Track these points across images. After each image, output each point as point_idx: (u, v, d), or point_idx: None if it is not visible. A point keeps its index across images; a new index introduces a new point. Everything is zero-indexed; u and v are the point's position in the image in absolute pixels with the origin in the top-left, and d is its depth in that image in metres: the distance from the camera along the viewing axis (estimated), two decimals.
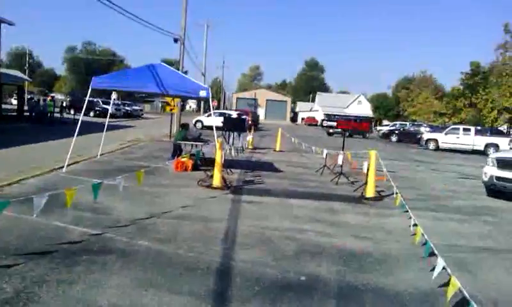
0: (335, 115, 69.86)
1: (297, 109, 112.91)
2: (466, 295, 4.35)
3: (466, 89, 56.97)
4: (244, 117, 26.74)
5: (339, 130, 44.08)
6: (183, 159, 13.50)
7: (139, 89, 13.93)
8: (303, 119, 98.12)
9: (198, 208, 8.85)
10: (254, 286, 5.11)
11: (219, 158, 10.93)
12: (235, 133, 19.13)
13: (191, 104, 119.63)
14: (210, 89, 12.49)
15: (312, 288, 5.19)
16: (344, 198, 11.14)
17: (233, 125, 19.25)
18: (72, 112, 38.02)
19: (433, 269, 5.28)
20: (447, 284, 4.77)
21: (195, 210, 8.67)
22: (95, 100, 49.42)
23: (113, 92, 20.85)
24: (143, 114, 62.56)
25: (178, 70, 22.67)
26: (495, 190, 12.91)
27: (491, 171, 12.83)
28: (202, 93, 12.29)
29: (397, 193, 9.42)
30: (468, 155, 31.79)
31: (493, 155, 13.43)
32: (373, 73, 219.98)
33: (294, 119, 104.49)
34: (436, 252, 5.65)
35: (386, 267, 6.16)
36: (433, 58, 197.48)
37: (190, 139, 14.69)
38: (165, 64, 13.42)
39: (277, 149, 23.37)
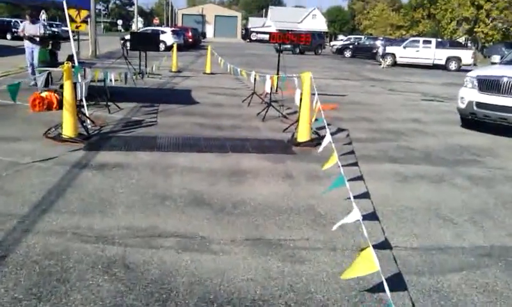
0: (287, 31, 65.18)
1: (249, 25, 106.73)
2: None
3: None
4: (156, 33, 21.84)
5: (289, 46, 40.05)
6: (43, 94, 9.43)
7: None
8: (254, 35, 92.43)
9: None
10: None
11: (69, 95, 6.97)
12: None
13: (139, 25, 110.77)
14: None
15: None
16: (264, 147, 7.53)
17: (143, 43, 15.13)
18: None
19: None
20: None
21: None
22: (13, 20, 43.14)
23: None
24: (75, 36, 56.07)
25: None
26: (473, 120, 9.59)
27: (470, 95, 9.43)
28: None
29: (328, 141, 5.63)
30: (428, 71, 28.62)
31: (472, 73, 9.96)
32: None
33: (245, 36, 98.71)
34: None
35: None
36: None
37: (58, 63, 10.47)
38: None
39: (207, 71, 19.31)
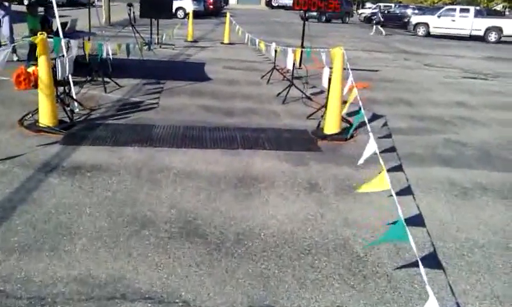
0: None
1: None
2: None
3: None
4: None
5: (315, 14, 38.01)
6: (30, 68, 8.17)
7: None
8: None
9: None
10: None
11: (45, 74, 5.68)
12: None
13: None
14: None
15: None
16: (283, 140, 6.14)
17: (155, 9, 13.73)
18: None
19: None
20: None
21: None
22: None
23: None
24: (93, 2, 54.58)
25: None
26: None
27: None
28: None
29: (372, 151, 4.04)
30: (465, 42, 26.46)
31: None
32: None
33: (270, 3, 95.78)
34: None
35: None
36: None
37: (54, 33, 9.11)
38: None
39: (225, 41, 17.79)
